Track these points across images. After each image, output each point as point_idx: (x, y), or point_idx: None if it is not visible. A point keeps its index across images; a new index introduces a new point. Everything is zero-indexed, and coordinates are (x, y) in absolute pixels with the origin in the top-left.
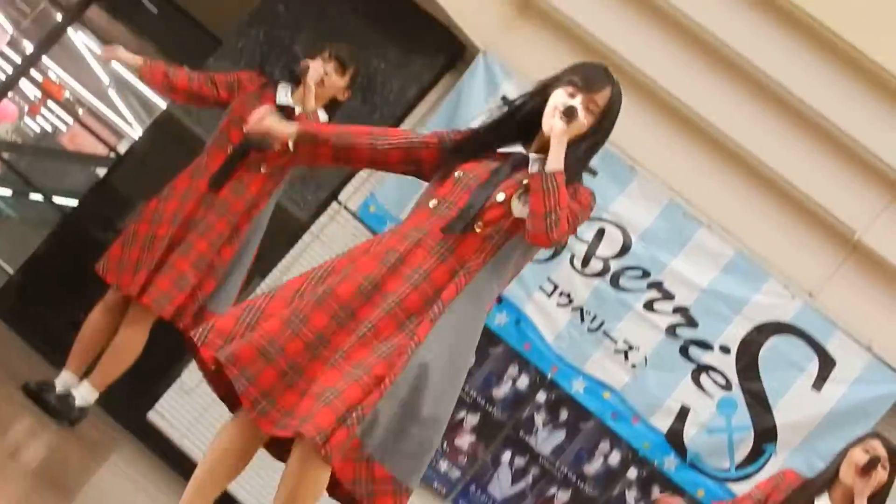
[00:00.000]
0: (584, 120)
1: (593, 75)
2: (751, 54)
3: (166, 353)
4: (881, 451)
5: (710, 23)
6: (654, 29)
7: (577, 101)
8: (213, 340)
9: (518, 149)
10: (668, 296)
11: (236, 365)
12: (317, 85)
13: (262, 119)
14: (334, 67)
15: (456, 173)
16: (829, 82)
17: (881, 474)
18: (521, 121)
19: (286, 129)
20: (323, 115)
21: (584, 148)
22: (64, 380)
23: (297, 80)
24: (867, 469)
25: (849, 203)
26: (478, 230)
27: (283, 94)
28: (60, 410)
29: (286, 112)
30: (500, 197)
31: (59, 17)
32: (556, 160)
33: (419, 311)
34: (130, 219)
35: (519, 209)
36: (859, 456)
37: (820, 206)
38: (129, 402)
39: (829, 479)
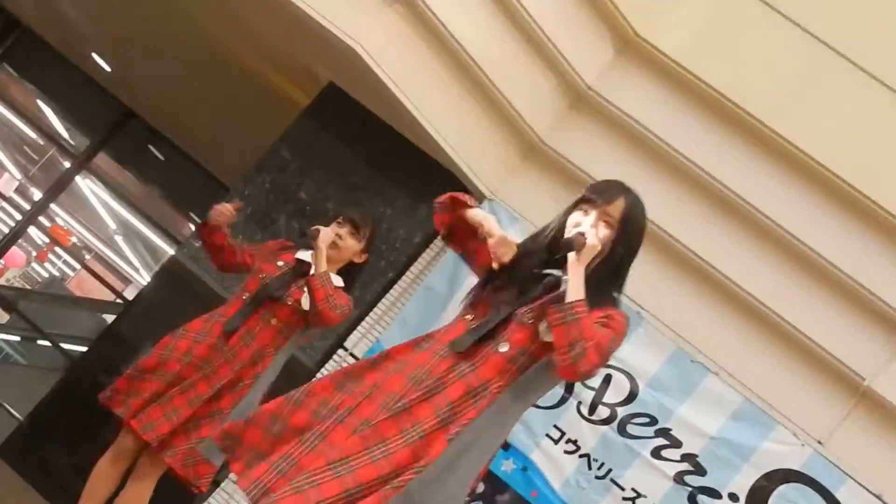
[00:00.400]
0: (594, 240)
1: (605, 188)
2: (758, 201)
3: (172, 496)
4: None
5: (715, 170)
6: (659, 176)
7: (590, 219)
8: (242, 455)
9: (555, 271)
10: (675, 443)
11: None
12: (331, 248)
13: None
14: (349, 231)
15: (493, 291)
16: (836, 228)
17: None
18: (551, 247)
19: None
20: (338, 280)
21: (609, 266)
22: None
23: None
24: None
25: (857, 350)
26: (503, 350)
27: (303, 253)
28: None
29: (304, 266)
30: (528, 319)
31: (66, 164)
32: (573, 291)
33: (424, 422)
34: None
35: (545, 332)
36: None
37: (828, 354)
38: None
39: None
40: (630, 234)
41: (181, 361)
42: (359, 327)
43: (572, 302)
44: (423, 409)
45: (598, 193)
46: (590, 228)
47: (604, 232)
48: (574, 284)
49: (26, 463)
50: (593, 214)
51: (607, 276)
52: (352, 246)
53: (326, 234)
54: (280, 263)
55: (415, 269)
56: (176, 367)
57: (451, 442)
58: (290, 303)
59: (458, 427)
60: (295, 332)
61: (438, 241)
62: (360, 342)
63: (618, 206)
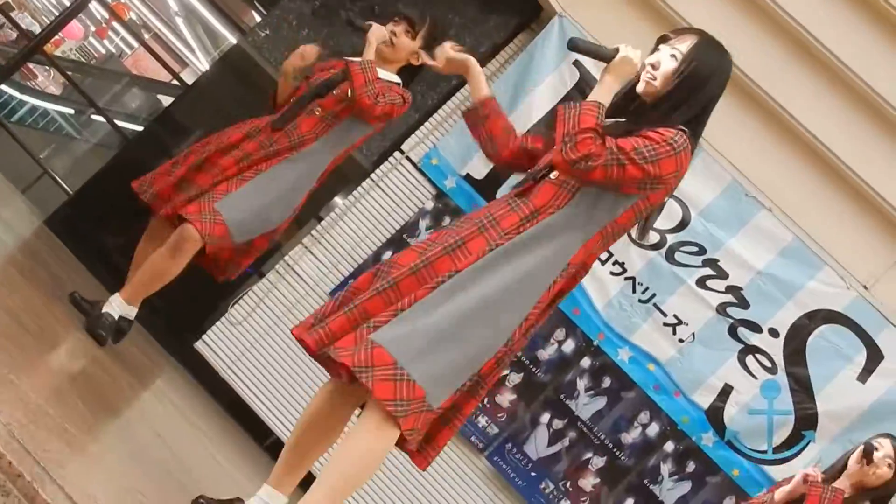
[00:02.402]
0: (629, 52)
1: (681, 28)
2: (829, 43)
3: (217, 286)
4: (889, 450)
5: (791, 8)
6: (732, 8)
7: (657, 54)
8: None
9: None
10: (722, 274)
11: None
12: (385, 46)
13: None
14: (404, 28)
15: None
16: None
17: (884, 471)
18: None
19: None
20: (392, 76)
21: (671, 98)
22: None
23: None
24: (866, 454)
25: None
26: (552, 177)
27: (353, 57)
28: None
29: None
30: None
31: None
32: (593, 92)
33: (471, 240)
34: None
35: None
36: (865, 447)
37: (883, 200)
38: (178, 331)
39: (836, 473)
40: (695, 66)
41: (226, 152)
42: (417, 132)
43: (580, 101)
44: (472, 236)
45: (672, 31)
46: (633, 50)
47: (668, 64)
48: (595, 89)
49: (74, 237)
50: (661, 49)
51: (667, 106)
52: (406, 45)
53: (378, 28)
54: (332, 70)
55: None
56: (219, 157)
57: (482, 256)
58: (334, 93)
59: (497, 238)
60: (338, 123)
61: (504, 54)
62: (416, 147)
63: (684, 41)
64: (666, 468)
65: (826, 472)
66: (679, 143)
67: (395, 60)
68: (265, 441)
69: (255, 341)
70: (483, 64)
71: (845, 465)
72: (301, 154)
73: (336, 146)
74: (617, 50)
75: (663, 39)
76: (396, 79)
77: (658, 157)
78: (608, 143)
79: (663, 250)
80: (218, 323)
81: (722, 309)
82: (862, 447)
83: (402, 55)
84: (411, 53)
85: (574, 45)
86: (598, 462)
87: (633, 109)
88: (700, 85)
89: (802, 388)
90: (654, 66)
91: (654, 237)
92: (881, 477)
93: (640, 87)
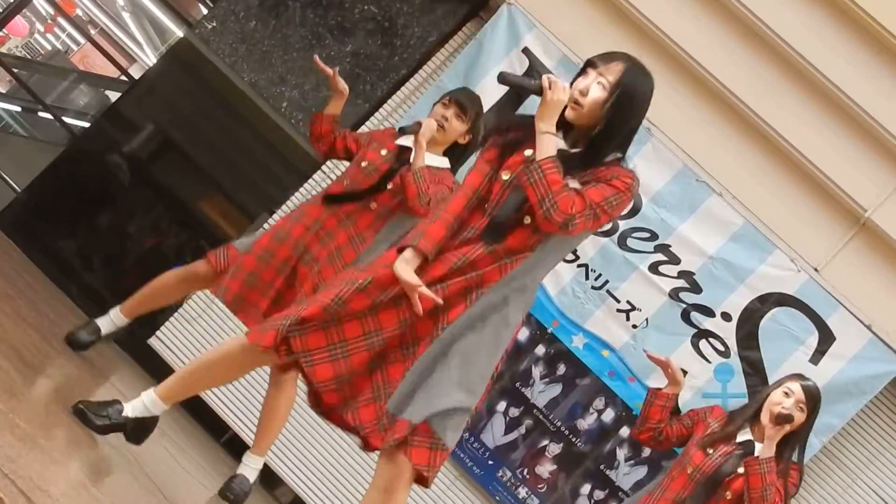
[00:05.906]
0: (561, 96)
1: (608, 53)
2: (775, 24)
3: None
4: (800, 394)
5: None
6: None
7: (584, 80)
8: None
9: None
10: (674, 260)
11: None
12: (437, 131)
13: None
14: (455, 113)
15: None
16: (853, 60)
17: (798, 416)
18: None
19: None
20: (441, 161)
21: (604, 128)
22: (111, 318)
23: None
24: (779, 421)
25: (861, 182)
26: (526, 222)
27: (404, 139)
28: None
29: (406, 153)
30: (505, 176)
31: None
32: (541, 149)
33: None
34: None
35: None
36: (778, 398)
37: (833, 183)
38: (132, 327)
39: (751, 416)
40: (624, 97)
41: (295, 250)
42: (368, 122)
43: (539, 160)
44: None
45: (600, 57)
46: (560, 82)
47: (596, 93)
48: (541, 142)
49: (23, 234)
50: (591, 75)
51: (603, 138)
52: (457, 128)
53: (428, 126)
54: (384, 152)
55: (427, 68)
56: (289, 253)
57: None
58: (389, 188)
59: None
60: (392, 218)
61: (453, 42)
62: None
63: (614, 70)
64: (622, 453)
65: (736, 413)
66: (634, 188)
67: (443, 143)
68: (222, 437)
69: (210, 337)
70: (432, 53)
71: (758, 414)
72: (361, 254)
73: (391, 237)
74: (540, 85)
75: (591, 64)
76: (445, 163)
77: (620, 204)
78: (586, 199)
79: (615, 237)
80: (172, 319)
81: (674, 294)
82: (776, 413)
83: (451, 137)
84: (459, 135)
85: (503, 79)
86: (555, 449)
87: (579, 148)
88: (631, 114)
89: (755, 371)
90: (581, 93)
91: (606, 224)
92: (797, 423)
93: (567, 113)
